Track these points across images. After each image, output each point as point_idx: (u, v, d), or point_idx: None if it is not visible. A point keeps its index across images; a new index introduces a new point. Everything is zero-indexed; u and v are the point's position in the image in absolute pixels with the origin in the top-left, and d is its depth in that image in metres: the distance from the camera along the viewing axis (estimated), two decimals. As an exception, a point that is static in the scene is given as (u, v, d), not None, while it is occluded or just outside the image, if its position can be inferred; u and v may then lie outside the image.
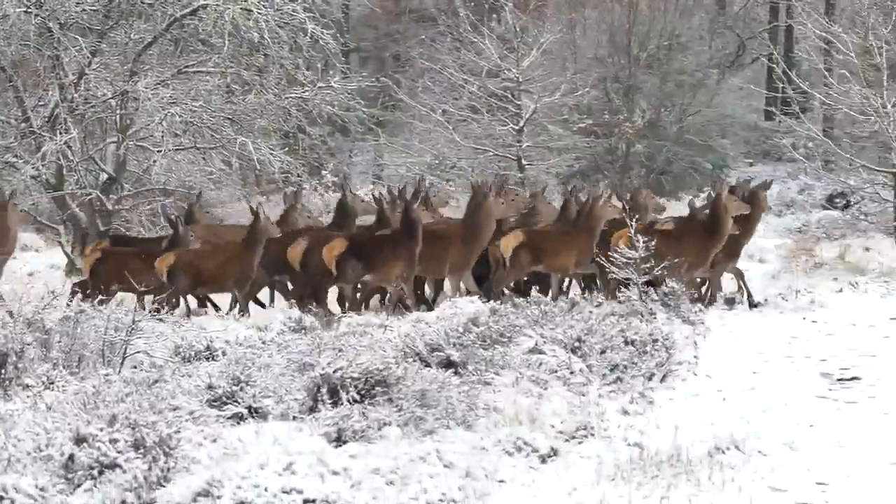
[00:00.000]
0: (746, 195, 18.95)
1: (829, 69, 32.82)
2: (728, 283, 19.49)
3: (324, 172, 30.38)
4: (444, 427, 9.13)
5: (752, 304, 18.25)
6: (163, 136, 20.68)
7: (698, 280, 18.35)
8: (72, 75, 21.21)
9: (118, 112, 21.12)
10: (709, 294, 18.65)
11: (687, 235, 17.87)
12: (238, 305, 17.33)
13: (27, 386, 10.32)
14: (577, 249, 17.93)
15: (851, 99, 30.06)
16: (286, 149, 24.65)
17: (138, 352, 11.77)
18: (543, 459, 8.94)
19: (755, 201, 18.91)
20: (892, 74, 28.28)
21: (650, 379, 11.79)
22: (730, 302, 18.05)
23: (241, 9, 20.38)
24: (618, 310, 14.58)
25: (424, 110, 29.04)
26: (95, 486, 7.20)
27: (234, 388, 9.02)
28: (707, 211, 18.19)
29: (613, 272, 16.24)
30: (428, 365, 10.78)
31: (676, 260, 16.75)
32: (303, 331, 13.59)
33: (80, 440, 7.46)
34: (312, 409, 9.08)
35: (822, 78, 32.90)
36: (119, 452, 7.37)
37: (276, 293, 18.86)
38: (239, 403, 8.94)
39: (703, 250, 17.75)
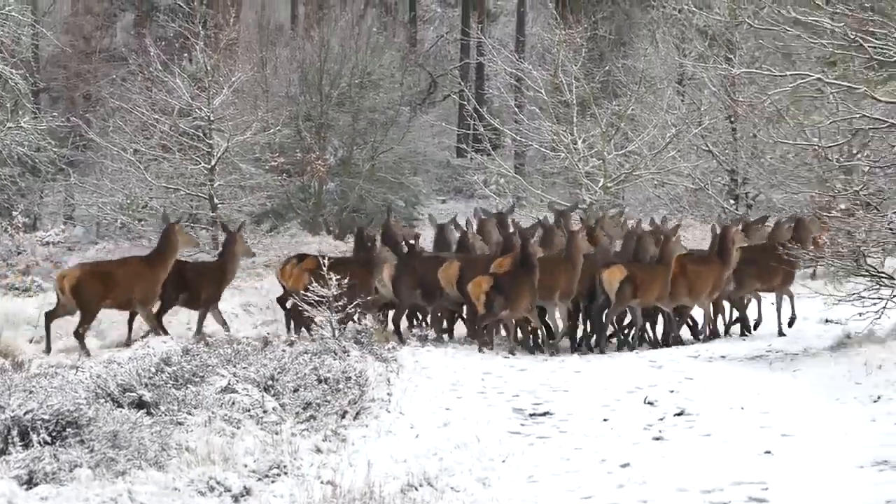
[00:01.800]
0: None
1: (519, 106, 33.55)
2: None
3: (14, 213, 29.54)
4: (136, 468, 9.06)
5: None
6: None
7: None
8: None
9: None
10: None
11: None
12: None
13: None
14: None
15: (542, 135, 30.78)
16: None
17: None
18: (236, 499, 8.93)
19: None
20: (582, 111, 29.09)
21: (343, 416, 11.81)
22: (422, 339, 18.13)
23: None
24: (311, 348, 14.53)
25: (115, 150, 28.55)
26: None
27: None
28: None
29: (306, 309, 16.25)
30: (120, 405, 10.68)
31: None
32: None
33: None
34: (3, 452, 8.90)
35: (513, 115, 33.62)
36: None
37: None
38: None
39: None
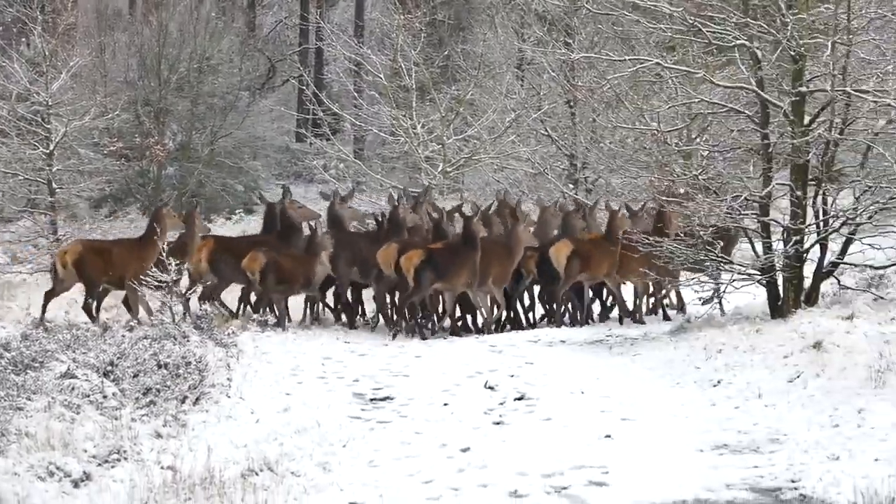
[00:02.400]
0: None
1: (359, 90, 33.44)
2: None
3: None
4: (-24, 453, 8.87)
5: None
6: None
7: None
8: None
9: None
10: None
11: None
12: None
13: None
14: None
15: (381, 120, 30.77)
16: None
17: None
18: (76, 484, 8.85)
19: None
20: (421, 96, 29.09)
21: (183, 402, 11.62)
22: (262, 324, 17.96)
23: None
24: (151, 333, 14.33)
25: (-48, 135, 27.98)
26: None
27: None
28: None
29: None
30: (-41, 391, 10.44)
31: None
32: None
33: None
34: None
35: (353, 99, 33.52)
36: None
37: None
38: None
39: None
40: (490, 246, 18.30)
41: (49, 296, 17.93)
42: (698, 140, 18.64)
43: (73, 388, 11.17)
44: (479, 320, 18.82)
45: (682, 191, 16.52)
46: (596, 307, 19.79)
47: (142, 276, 16.68)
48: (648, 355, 14.95)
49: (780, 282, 15.34)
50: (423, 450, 10.44)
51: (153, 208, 18.67)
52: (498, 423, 11.49)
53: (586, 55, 21.16)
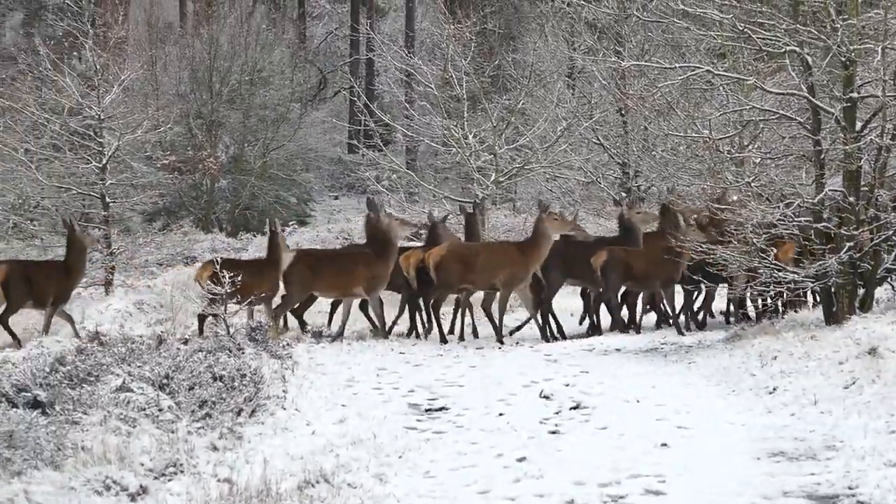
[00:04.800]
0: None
1: (410, 101, 33.50)
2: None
3: None
4: (33, 468, 8.99)
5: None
6: None
7: None
8: None
9: None
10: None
11: None
12: None
13: None
14: None
15: (433, 130, 30.78)
16: None
17: None
18: (133, 498, 8.86)
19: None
20: (472, 105, 29.09)
21: (239, 414, 11.69)
22: (317, 335, 18.11)
23: None
24: (206, 345, 14.41)
25: (6, 150, 28.10)
26: None
27: None
28: None
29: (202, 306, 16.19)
30: (15, 405, 10.53)
31: None
32: None
33: None
34: None
35: (404, 110, 33.53)
36: None
37: None
38: None
39: None
40: None
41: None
42: (750, 147, 18.57)
43: (128, 402, 11.21)
44: None
45: (734, 198, 16.49)
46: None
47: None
48: (704, 363, 14.91)
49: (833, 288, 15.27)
50: (478, 460, 10.43)
51: (269, 232, 18.81)
52: (554, 433, 11.48)
53: (637, 63, 21.11)
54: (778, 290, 16.10)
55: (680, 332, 18.04)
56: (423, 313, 19.27)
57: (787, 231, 15.68)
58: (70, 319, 18.58)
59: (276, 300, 18.58)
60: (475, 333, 19.10)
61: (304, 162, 40.18)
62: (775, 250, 16.02)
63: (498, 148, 28.11)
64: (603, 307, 19.34)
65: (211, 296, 17.28)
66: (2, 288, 18.08)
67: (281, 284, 18.62)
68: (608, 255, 18.49)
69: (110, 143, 26.10)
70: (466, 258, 18.70)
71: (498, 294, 18.95)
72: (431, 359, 16.74)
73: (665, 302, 18.87)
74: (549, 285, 18.93)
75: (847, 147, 14.81)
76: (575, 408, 12.54)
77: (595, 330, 19.16)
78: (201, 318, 17.80)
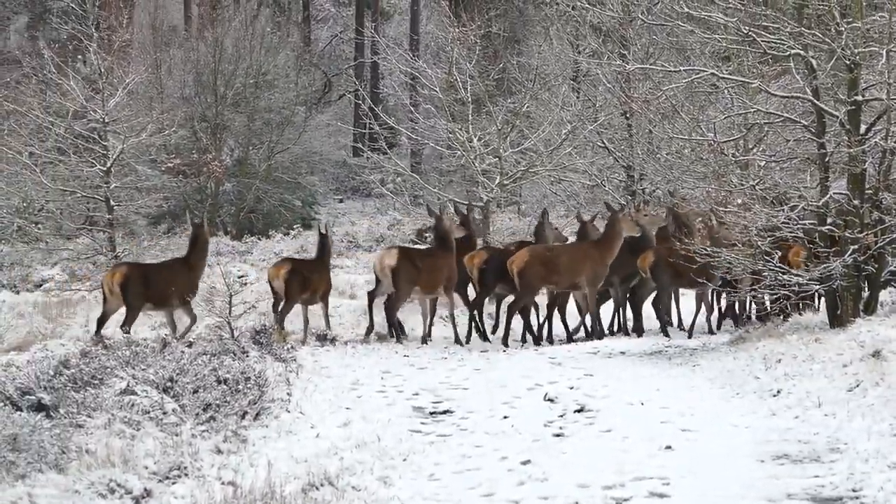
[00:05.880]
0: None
1: (415, 104, 33.51)
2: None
3: None
4: (37, 471, 8.98)
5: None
6: None
7: None
8: None
9: None
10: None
11: None
12: None
13: None
14: None
15: (438, 133, 30.78)
16: None
17: None
18: (137, 501, 8.86)
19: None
20: (477, 108, 29.07)
21: (243, 417, 11.68)
22: (322, 338, 18.15)
23: None
24: (210, 349, 14.41)
25: (11, 153, 28.14)
26: None
27: None
28: None
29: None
30: (19, 408, 10.53)
31: None
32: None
33: None
34: None
35: (409, 113, 33.54)
36: None
37: None
38: None
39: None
40: None
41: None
42: (755, 150, 18.56)
43: (132, 405, 11.19)
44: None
45: (739, 201, 16.48)
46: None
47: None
48: (708, 366, 14.92)
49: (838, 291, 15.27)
50: (483, 463, 10.42)
51: (319, 234, 20.14)
52: (558, 436, 11.47)
53: (641, 66, 21.07)
54: (782, 293, 16.08)
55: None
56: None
57: (792, 234, 15.69)
58: (194, 319, 18.90)
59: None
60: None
61: (309, 165, 40.18)
62: (780, 253, 16.03)
63: (503, 151, 28.11)
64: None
65: (283, 294, 18.77)
66: (120, 291, 18.42)
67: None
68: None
69: (115, 147, 26.16)
70: (549, 260, 19.02)
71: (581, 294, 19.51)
72: (436, 362, 16.78)
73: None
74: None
75: (851, 150, 14.82)
76: (579, 411, 12.54)
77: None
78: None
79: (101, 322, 18.58)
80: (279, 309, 19.10)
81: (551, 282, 19.01)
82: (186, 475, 9.61)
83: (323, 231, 19.97)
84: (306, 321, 19.39)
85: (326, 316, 19.60)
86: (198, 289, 18.91)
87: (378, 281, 19.35)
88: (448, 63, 30.76)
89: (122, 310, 18.58)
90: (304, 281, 19.14)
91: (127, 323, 18.31)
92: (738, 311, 19.92)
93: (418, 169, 37.51)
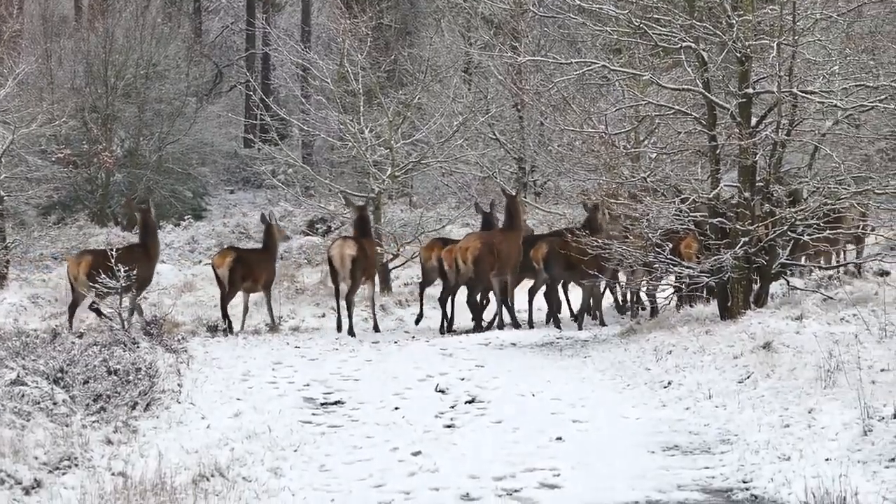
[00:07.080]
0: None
1: (306, 96, 33.25)
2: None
3: None
4: (-74, 461, 8.78)
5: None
6: None
7: None
8: None
9: None
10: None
11: None
12: None
13: None
14: None
15: (329, 125, 30.64)
16: None
17: None
18: (27, 491, 8.76)
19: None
20: (369, 100, 28.96)
21: (134, 408, 11.55)
22: (212, 329, 18.04)
23: None
24: (100, 339, 14.28)
25: None
26: None
27: None
28: None
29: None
30: None
31: None
32: None
33: None
34: None
35: (300, 104, 33.32)
36: None
37: None
38: None
39: None
40: None
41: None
42: (646, 142, 18.70)
43: (22, 395, 11.05)
44: None
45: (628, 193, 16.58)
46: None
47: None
48: (599, 357, 14.99)
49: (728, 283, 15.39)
50: (374, 454, 10.39)
51: (265, 223, 20.88)
52: (449, 427, 11.48)
53: (533, 58, 21.13)
54: (673, 285, 16.20)
55: (558, 326, 18.65)
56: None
57: (683, 227, 15.79)
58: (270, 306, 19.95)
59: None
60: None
61: (200, 156, 39.96)
62: (671, 244, 16.13)
63: (394, 142, 28.00)
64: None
65: (227, 282, 19.30)
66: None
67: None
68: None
69: (4, 137, 25.80)
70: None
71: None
72: (327, 353, 16.78)
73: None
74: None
75: (742, 143, 14.93)
76: (470, 402, 12.56)
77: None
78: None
79: (73, 309, 18.88)
80: (220, 297, 19.66)
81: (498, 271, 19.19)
82: (77, 466, 9.51)
83: (268, 221, 20.51)
84: (246, 308, 19.98)
85: (269, 305, 19.98)
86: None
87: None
88: (339, 55, 30.57)
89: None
90: (248, 270, 19.67)
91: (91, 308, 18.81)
92: (624, 299, 20.06)
93: (310, 160, 37.32)
